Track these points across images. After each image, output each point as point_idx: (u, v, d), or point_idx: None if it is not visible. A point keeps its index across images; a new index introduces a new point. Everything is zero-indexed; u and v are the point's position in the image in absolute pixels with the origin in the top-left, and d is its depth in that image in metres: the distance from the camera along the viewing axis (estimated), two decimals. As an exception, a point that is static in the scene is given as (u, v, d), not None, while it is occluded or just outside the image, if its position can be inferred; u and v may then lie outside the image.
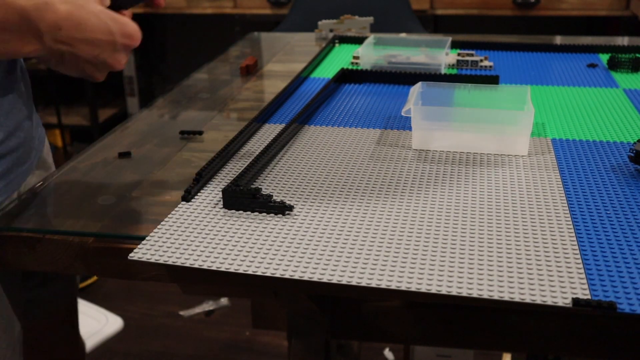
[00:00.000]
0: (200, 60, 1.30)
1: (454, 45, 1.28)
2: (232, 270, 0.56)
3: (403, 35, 1.41)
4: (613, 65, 1.15)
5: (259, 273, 0.56)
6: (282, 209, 0.64)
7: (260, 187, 0.68)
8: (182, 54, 3.14)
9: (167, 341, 1.86)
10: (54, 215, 0.66)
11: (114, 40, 0.65)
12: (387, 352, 1.78)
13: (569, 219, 0.64)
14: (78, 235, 0.63)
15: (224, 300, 2.01)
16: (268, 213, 0.65)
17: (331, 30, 1.44)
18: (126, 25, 0.66)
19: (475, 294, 0.52)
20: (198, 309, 1.98)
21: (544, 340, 0.84)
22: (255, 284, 0.58)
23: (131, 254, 0.59)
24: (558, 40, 1.34)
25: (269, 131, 0.87)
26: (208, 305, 1.99)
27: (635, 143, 0.74)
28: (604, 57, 1.23)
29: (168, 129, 0.91)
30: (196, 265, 0.57)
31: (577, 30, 2.70)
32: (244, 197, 0.65)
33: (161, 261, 0.58)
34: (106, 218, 0.66)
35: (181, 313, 1.97)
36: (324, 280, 0.54)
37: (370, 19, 1.47)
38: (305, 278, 0.55)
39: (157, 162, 0.79)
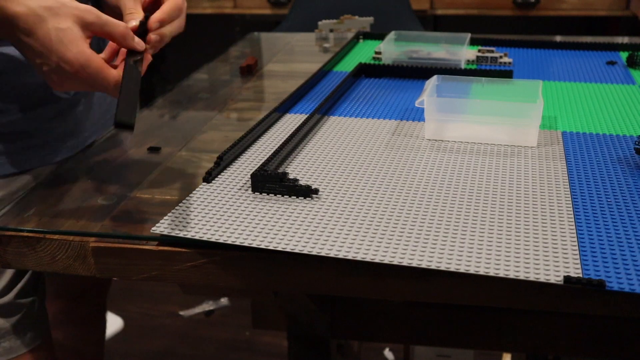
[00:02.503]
0: (200, 60, 1.30)
1: (475, 42, 1.30)
2: (255, 245, 0.59)
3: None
4: (632, 63, 1.16)
5: (288, 249, 0.58)
6: (308, 192, 0.68)
7: (286, 171, 0.72)
8: (182, 54, 3.14)
9: (167, 341, 1.86)
10: (55, 215, 0.66)
11: (54, 47, 0.63)
12: (387, 352, 1.78)
13: (570, 204, 0.66)
14: (78, 235, 0.63)
15: (224, 300, 2.01)
16: (297, 196, 0.68)
17: (331, 30, 1.44)
18: (68, 51, 0.64)
19: (472, 270, 0.55)
20: (198, 309, 1.98)
21: (544, 340, 0.84)
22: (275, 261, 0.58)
23: (153, 228, 0.62)
24: (579, 39, 1.34)
25: (289, 121, 0.91)
26: (208, 305, 1.99)
27: None
28: (625, 55, 1.23)
29: (168, 129, 0.91)
30: (221, 241, 0.60)
31: (577, 30, 2.70)
32: (272, 181, 0.68)
33: (182, 235, 0.61)
34: (106, 218, 0.66)
35: (181, 313, 1.97)
36: (349, 257, 0.57)
37: (371, 19, 1.47)
38: (332, 255, 0.58)
39: (157, 162, 0.79)
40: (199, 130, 0.89)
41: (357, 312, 0.87)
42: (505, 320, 0.84)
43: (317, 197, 0.68)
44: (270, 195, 0.68)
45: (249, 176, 0.70)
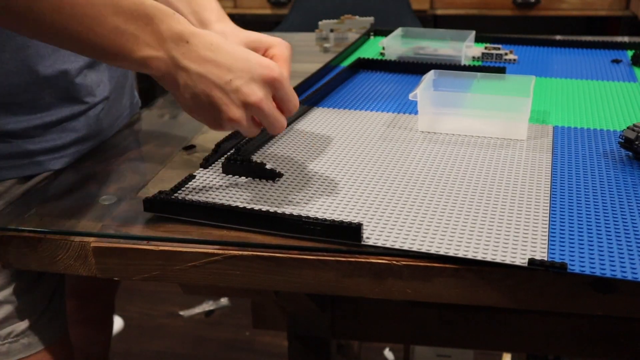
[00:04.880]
0: (201, 60, 1.30)
1: (483, 40, 1.31)
2: (235, 226, 0.63)
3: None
4: (637, 61, 1.16)
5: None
6: (273, 175, 0.71)
7: (264, 160, 0.75)
8: (182, 54, 3.14)
9: (167, 341, 1.86)
10: (55, 215, 0.66)
11: (249, 66, 0.57)
12: (387, 352, 1.78)
13: (548, 193, 0.68)
14: (79, 235, 0.63)
15: (224, 300, 2.02)
16: (260, 179, 0.71)
17: (331, 30, 1.44)
18: (263, 57, 0.59)
19: (442, 251, 0.58)
20: (198, 309, 1.98)
21: (544, 340, 0.84)
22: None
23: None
24: (585, 38, 1.34)
25: None
26: (208, 305, 1.99)
27: (625, 129, 0.75)
28: (631, 54, 1.23)
29: (168, 129, 0.91)
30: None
31: (577, 30, 2.71)
32: (239, 165, 0.72)
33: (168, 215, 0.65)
34: (107, 218, 0.66)
35: (181, 313, 1.97)
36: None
37: (371, 19, 1.47)
38: None
39: (157, 162, 0.79)
40: (199, 130, 0.90)
41: (357, 312, 0.87)
42: (505, 320, 0.84)
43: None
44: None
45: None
